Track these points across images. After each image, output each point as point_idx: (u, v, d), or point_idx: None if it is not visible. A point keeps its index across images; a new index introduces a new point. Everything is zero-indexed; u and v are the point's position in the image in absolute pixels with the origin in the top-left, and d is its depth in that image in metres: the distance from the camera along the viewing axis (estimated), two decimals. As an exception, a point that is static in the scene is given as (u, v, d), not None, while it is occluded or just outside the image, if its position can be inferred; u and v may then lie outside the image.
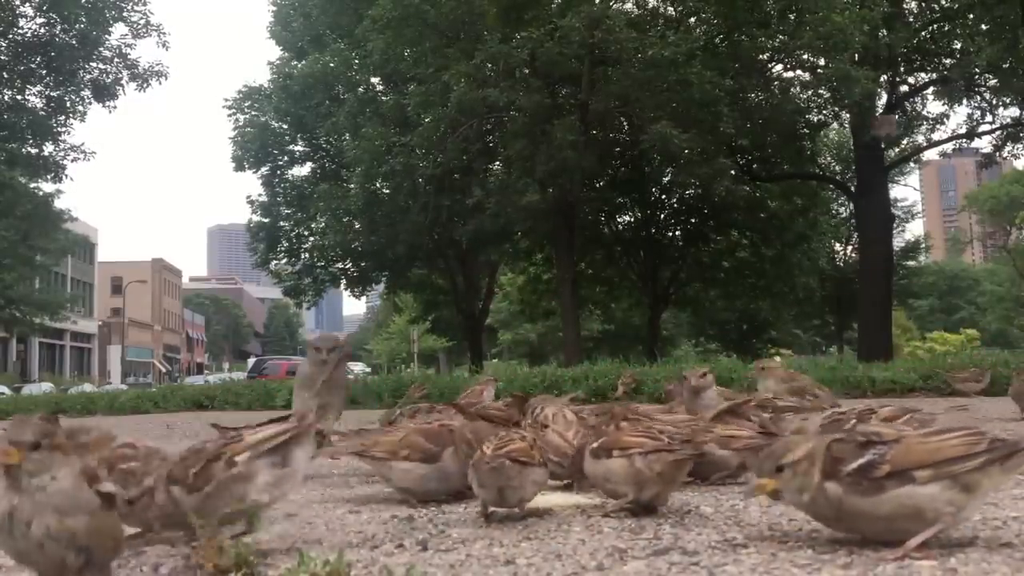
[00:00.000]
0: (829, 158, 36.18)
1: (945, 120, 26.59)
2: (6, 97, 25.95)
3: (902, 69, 25.04)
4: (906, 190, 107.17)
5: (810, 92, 24.32)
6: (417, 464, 3.10)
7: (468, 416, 3.57)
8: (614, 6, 22.87)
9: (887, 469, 2.01)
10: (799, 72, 23.98)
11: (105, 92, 26.41)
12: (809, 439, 2.23)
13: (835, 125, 28.64)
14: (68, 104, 26.52)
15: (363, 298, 34.22)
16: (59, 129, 26.80)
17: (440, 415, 4.10)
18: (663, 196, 29.55)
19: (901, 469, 2.00)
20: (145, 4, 26.24)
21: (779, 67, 24.05)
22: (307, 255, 32.13)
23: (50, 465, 1.72)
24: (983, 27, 22.75)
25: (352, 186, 26.42)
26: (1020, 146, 26.28)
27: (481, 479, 2.66)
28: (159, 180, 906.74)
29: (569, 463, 3.14)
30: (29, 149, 26.82)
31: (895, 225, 33.91)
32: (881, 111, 24.55)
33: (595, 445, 2.84)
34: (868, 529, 2.09)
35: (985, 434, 2.05)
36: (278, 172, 32.39)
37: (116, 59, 26.37)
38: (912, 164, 36.25)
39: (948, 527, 2.06)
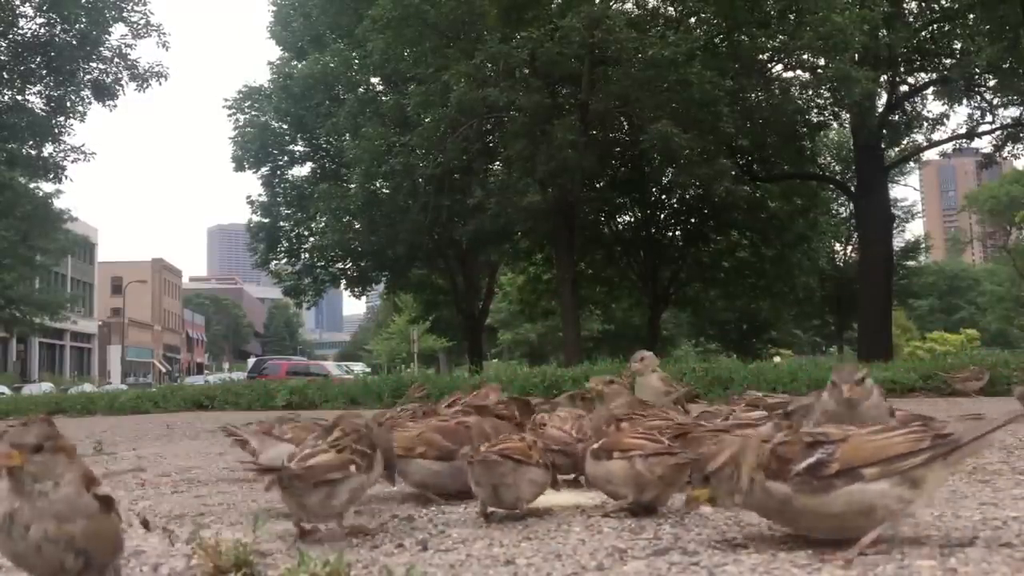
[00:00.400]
0: (829, 158, 36.19)
1: (945, 120, 26.63)
2: (6, 97, 25.93)
3: (902, 69, 25.04)
4: (906, 190, 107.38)
5: (810, 92, 24.32)
6: (433, 461, 3.10)
7: (486, 414, 3.58)
8: (614, 6, 22.88)
9: (836, 467, 2.04)
10: (799, 72, 24.01)
11: (105, 92, 26.39)
12: (734, 442, 2.28)
13: (835, 125, 28.66)
14: (68, 104, 26.51)
15: (363, 298, 34.25)
16: (59, 130, 26.80)
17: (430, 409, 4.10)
18: (663, 196, 29.55)
19: (849, 467, 2.04)
20: (145, 4, 26.22)
21: (779, 67, 24.06)
22: (307, 255, 32.13)
23: (52, 468, 1.72)
24: (983, 27, 22.75)
25: (352, 186, 26.43)
26: (1020, 146, 26.30)
27: (476, 476, 2.67)
28: (159, 180, 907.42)
29: (572, 451, 3.16)
30: (29, 150, 26.82)
31: (895, 225, 33.93)
32: (881, 111, 24.58)
33: (596, 446, 2.84)
34: (817, 527, 2.12)
35: (928, 431, 2.10)
36: (278, 172, 32.39)
37: (116, 59, 26.34)
38: (912, 164, 36.28)
39: (895, 525, 2.09)
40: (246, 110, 31.84)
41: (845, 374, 2.78)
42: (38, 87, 26.48)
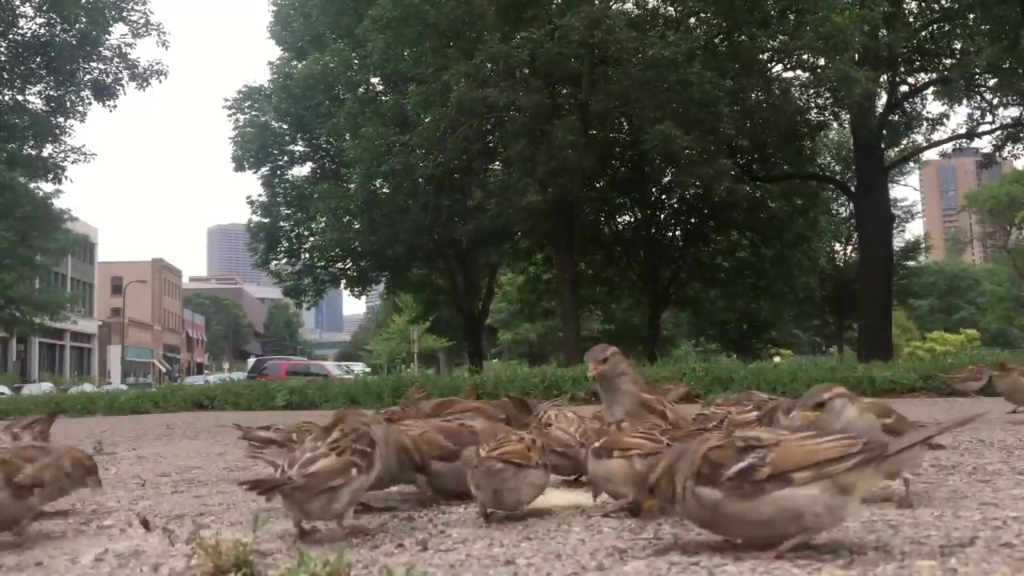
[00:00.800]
0: (829, 158, 36.23)
1: (945, 120, 26.68)
2: (6, 97, 25.96)
3: (902, 69, 25.05)
4: (906, 190, 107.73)
5: (810, 92, 24.35)
6: (434, 461, 3.10)
7: (491, 417, 3.57)
8: (614, 6, 22.89)
9: (767, 472, 2.03)
10: (799, 72, 24.05)
11: (105, 92, 26.43)
12: (672, 451, 2.28)
13: (835, 125, 28.68)
14: (68, 104, 26.53)
15: (363, 298, 34.32)
16: (59, 130, 26.81)
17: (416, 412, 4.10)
18: (663, 196, 29.58)
19: (781, 471, 2.03)
20: (145, 4, 26.28)
21: (779, 67, 24.10)
22: (307, 255, 32.18)
23: None
24: (983, 27, 22.76)
25: (352, 186, 26.44)
26: (1020, 146, 26.32)
27: (477, 481, 2.66)
28: (159, 180, 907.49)
29: (574, 454, 3.16)
30: (29, 150, 26.84)
31: (895, 225, 33.95)
32: (881, 111, 24.59)
33: (597, 446, 2.84)
34: (748, 533, 2.11)
35: (859, 438, 2.09)
36: (278, 172, 32.43)
37: (116, 59, 26.40)
38: (912, 164, 36.31)
39: (826, 529, 2.08)
40: (246, 110, 31.89)
41: (806, 398, 2.69)
42: (38, 87, 26.54)
